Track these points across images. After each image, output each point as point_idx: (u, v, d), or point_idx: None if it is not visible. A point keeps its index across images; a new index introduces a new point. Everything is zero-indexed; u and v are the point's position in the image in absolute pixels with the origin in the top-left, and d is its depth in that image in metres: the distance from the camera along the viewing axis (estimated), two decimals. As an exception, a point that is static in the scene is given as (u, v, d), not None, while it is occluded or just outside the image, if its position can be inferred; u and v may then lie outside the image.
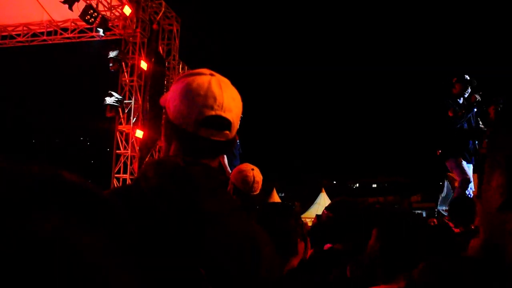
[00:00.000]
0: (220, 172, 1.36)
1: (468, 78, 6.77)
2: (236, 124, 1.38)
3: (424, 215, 53.66)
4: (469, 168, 6.84)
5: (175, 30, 16.04)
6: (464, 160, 6.76)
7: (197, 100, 1.30)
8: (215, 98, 1.30)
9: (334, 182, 78.57)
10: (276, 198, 24.60)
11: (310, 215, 22.46)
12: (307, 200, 32.04)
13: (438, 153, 7.02)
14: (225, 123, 1.33)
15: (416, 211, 59.63)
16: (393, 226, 2.07)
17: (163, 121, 1.43)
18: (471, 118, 6.77)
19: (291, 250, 2.14)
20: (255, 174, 3.46)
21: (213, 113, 1.30)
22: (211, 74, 1.36)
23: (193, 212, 1.18)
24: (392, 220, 2.12)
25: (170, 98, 1.35)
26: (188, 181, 1.24)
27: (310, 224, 14.89)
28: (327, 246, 3.01)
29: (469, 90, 6.81)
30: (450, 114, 6.63)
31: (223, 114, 1.32)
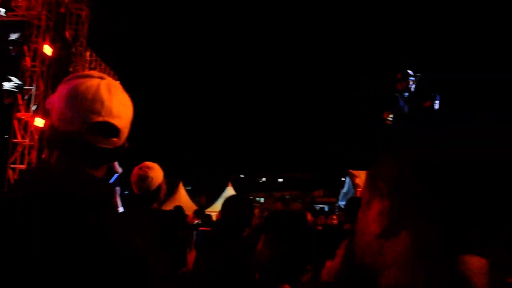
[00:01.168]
0: (103, 183, 1.27)
1: (412, 73, 6.81)
2: (125, 131, 1.31)
3: (326, 209, 55.75)
4: None
5: (84, 15, 15.37)
6: None
7: (83, 104, 1.22)
8: (103, 103, 1.23)
9: (242, 176, 79.37)
10: (182, 192, 24.45)
11: (215, 209, 22.55)
12: (214, 193, 32.09)
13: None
14: (113, 130, 1.26)
15: (319, 206, 61.89)
16: (280, 232, 2.13)
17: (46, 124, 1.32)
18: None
19: (181, 261, 2.10)
20: (146, 171, 3.36)
21: (100, 119, 1.23)
22: (101, 78, 1.29)
23: (64, 227, 1.09)
24: (279, 226, 2.19)
25: (55, 100, 1.26)
26: (64, 193, 1.15)
27: (214, 218, 14.98)
28: None
29: (414, 84, 6.83)
30: (385, 116, 6.62)
31: (111, 120, 1.25)
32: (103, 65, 17.45)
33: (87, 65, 15.90)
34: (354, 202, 4.42)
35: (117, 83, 1.33)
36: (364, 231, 0.75)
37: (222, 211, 3.16)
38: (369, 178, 0.75)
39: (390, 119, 6.47)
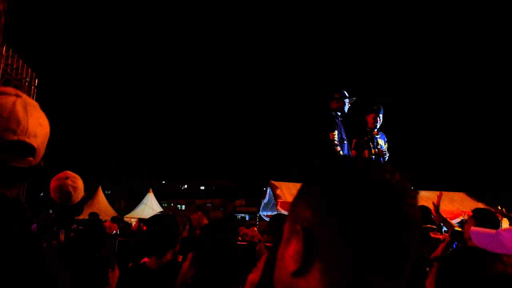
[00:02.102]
0: (16, 204, 1.24)
1: (347, 94, 6.93)
2: (41, 150, 1.29)
3: (247, 218, 56.28)
4: None
5: (1, 8, 14.62)
6: None
7: None
8: (19, 122, 1.20)
9: (163, 182, 78.27)
10: (101, 196, 23.72)
11: (135, 215, 22.05)
12: (134, 199, 31.40)
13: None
14: (29, 149, 1.23)
15: (240, 215, 62.18)
16: (210, 253, 2.12)
17: None
18: (341, 130, 6.80)
19: (101, 281, 2.05)
20: (69, 182, 3.20)
21: (15, 138, 1.20)
22: (17, 95, 1.25)
23: None
24: (209, 248, 2.18)
25: None
26: None
27: (134, 225, 14.66)
28: (143, 260, 2.94)
29: (348, 106, 6.94)
30: (331, 137, 6.58)
31: (27, 140, 1.22)
32: (20, 61, 16.61)
33: (3, 61, 15.09)
34: (277, 219, 4.53)
35: (34, 101, 1.29)
36: (281, 269, 0.79)
37: (149, 228, 3.06)
38: (289, 215, 0.78)
39: (336, 140, 6.56)
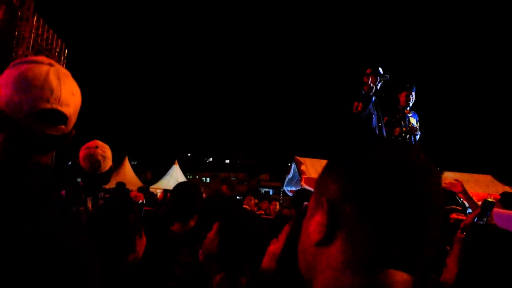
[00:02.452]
0: (48, 170, 1.29)
1: (382, 71, 6.77)
2: (73, 119, 1.32)
3: (271, 193, 56.61)
4: None
5: (32, -22, 14.72)
6: None
7: (32, 91, 1.21)
8: (52, 91, 1.23)
9: (189, 154, 79.04)
10: (128, 167, 24.08)
11: (160, 186, 22.36)
12: (160, 170, 31.79)
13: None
14: (62, 118, 1.26)
15: (264, 189, 62.47)
16: (235, 224, 2.14)
17: None
18: (373, 114, 6.70)
19: (129, 247, 2.07)
20: (98, 152, 3.26)
21: (48, 106, 1.22)
22: (50, 64, 1.28)
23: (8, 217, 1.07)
24: (235, 218, 2.20)
25: (2, 85, 1.24)
26: (6, 182, 1.15)
27: (159, 196, 14.87)
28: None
29: (381, 83, 6.78)
30: (353, 109, 6.51)
31: (60, 108, 1.25)
32: (50, 31, 16.77)
33: (34, 31, 15.26)
34: (301, 193, 4.52)
35: (66, 71, 1.32)
36: (305, 239, 0.81)
37: (172, 196, 3.11)
38: (315, 187, 0.80)
39: (359, 109, 6.46)
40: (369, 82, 6.78)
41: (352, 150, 0.82)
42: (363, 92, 6.76)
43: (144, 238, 2.20)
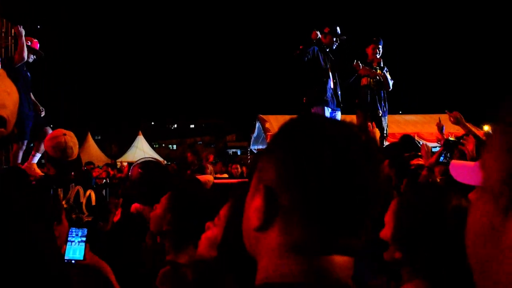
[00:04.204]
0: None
1: (339, 32, 7.02)
2: (12, 119, 1.26)
3: (239, 153, 56.59)
4: (334, 116, 6.88)
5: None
6: (328, 107, 6.85)
7: None
8: None
9: (152, 123, 77.98)
10: (91, 143, 23.72)
11: (126, 159, 22.14)
12: (124, 142, 31.37)
13: (304, 100, 7.02)
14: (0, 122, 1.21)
15: (232, 150, 62.39)
16: (186, 198, 2.08)
17: None
18: (320, 59, 6.91)
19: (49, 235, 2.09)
20: (67, 139, 3.27)
21: None
22: None
23: None
24: (184, 191, 2.14)
25: None
26: None
27: (125, 169, 14.72)
28: (134, 206, 2.96)
29: (337, 44, 7.05)
30: (296, 52, 6.69)
31: None
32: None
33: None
34: (257, 158, 4.55)
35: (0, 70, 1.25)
36: (246, 223, 0.82)
37: (140, 183, 3.00)
38: (256, 170, 0.79)
39: (300, 51, 6.67)
40: (325, 41, 7.01)
41: (291, 133, 0.80)
42: (326, 50, 7.01)
43: (65, 222, 2.21)
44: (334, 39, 7.00)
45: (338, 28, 7.06)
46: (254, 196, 0.82)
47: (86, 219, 3.25)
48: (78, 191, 3.31)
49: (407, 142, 5.08)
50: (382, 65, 7.36)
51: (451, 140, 3.95)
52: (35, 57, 6.24)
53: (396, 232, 1.51)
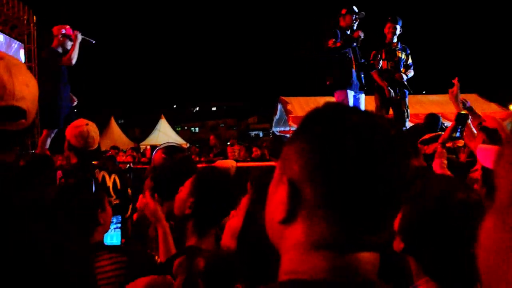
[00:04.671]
0: (14, 167, 1.26)
1: (357, 10, 6.77)
2: (32, 110, 1.27)
3: (261, 135, 56.62)
4: (357, 99, 6.86)
5: None
6: (351, 90, 6.73)
7: None
8: (4, 87, 1.18)
9: (174, 106, 78.46)
10: (115, 127, 23.96)
11: (149, 142, 22.33)
12: (147, 126, 31.65)
13: (327, 83, 6.85)
14: (19, 112, 1.23)
15: (254, 132, 62.48)
16: (208, 183, 2.09)
17: None
18: (356, 52, 6.77)
19: (92, 222, 2.13)
20: (90, 129, 3.35)
21: (3, 103, 1.18)
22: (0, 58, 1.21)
23: None
24: (207, 176, 2.15)
25: None
26: None
27: (147, 152, 14.86)
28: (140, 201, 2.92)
29: (357, 22, 6.79)
30: (329, 45, 6.57)
31: (16, 103, 1.21)
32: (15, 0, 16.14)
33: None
34: (278, 140, 4.54)
35: (18, 61, 1.27)
36: (269, 215, 0.79)
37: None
38: (279, 161, 0.77)
39: (333, 45, 6.50)
40: (345, 22, 6.79)
41: (314, 123, 0.78)
42: (343, 31, 6.77)
43: (109, 209, 2.26)
44: (354, 17, 6.76)
45: (354, 7, 6.82)
46: (277, 188, 0.80)
47: (115, 202, 3.36)
48: (104, 176, 3.40)
49: (431, 123, 4.99)
50: (402, 46, 7.15)
51: (462, 113, 3.87)
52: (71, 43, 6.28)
53: (402, 222, 1.46)
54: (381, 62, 6.97)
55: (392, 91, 6.91)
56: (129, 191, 3.57)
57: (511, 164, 0.48)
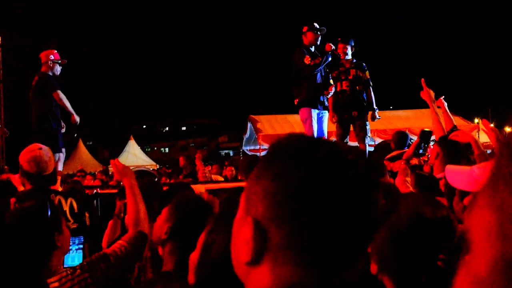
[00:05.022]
0: None
1: (318, 26, 6.82)
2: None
3: (231, 154, 56.56)
4: (320, 118, 6.88)
5: None
6: (315, 109, 6.74)
7: None
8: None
9: (144, 126, 77.76)
10: (83, 149, 23.62)
11: (120, 164, 22.02)
12: (116, 147, 31.25)
13: (295, 102, 6.87)
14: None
15: (224, 151, 62.29)
16: (186, 209, 2.10)
17: None
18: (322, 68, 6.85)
19: (49, 246, 2.11)
20: (42, 153, 3.27)
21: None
22: None
23: None
24: (185, 202, 2.16)
25: None
26: None
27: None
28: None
29: (320, 38, 6.85)
30: (306, 62, 6.55)
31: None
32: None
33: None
34: (252, 162, 4.55)
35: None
36: (235, 253, 0.75)
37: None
38: (242, 197, 0.72)
39: (311, 62, 6.56)
40: (308, 40, 6.86)
41: (277, 159, 0.75)
42: (307, 49, 6.84)
43: (67, 231, 2.23)
44: (315, 33, 6.82)
45: (315, 24, 6.89)
46: (241, 227, 0.76)
47: (73, 226, 3.27)
48: (60, 201, 3.31)
49: (399, 140, 5.06)
50: (357, 63, 7.23)
51: (426, 131, 3.98)
52: (61, 67, 6.57)
53: (374, 244, 1.47)
54: (335, 82, 7.02)
55: (335, 115, 6.99)
56: (87, 214, 3.49)
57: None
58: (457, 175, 1.69)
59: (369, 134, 7.16)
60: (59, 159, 6.13)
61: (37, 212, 2.16)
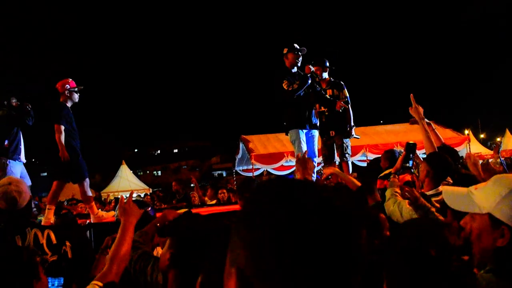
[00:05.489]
0: None
1: (298, 46, 6.81)
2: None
3: (224, 174, 56.40)
4: (310, 137, 6.89)
5: None
6: (303, 129, 6.73)
7: None
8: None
9: (136, 150, 77.55)
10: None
11: (111, 190, 21.88)
12: (108, 172, 31.13)
13: (284, 124, 6.87)
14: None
15: (217, 172, 62.13)
16: (187, 239, 2.10)
17: None
18: (315, 88, 6.87)
19: None
20: (12, 188, 3.12)
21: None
22: None
23: None
24: (187, 232, 2.16)
25: None
26: None
27: (112, 198, 14.50)
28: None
29: (301, 58, 6.82)
30: (285, 87, 6.59)
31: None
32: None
33: None
34: (246, 183, 4.55)
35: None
36: None
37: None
38: (228, 252, 0.70)
39: (289, 87, 6.60)
40: (289, 61, 6.86)
41: (255, 208, 0.73)
42: (293, 71, 6.86)
43: (44, 278, 2.17)
44: (295, 53, 6.81)
45: (295, 44, 6.89)
46: (229, 280, 0.74)
47: (52, 259, 3.14)
48: (36, 234, 3.18)
49: (392, 158, 5.10)
50: (334, 81, 7.38)
51: (411, 143, 4.13)
52: (78, 94, 6.50)
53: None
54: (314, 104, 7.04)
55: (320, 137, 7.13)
56: (68, 243, 3.33)
57: None
58: (453, 197, 1.70)
59: (349, 151, 7.30)
60: (87, 186, 6.21)
61: (11, 260, 2.10)
